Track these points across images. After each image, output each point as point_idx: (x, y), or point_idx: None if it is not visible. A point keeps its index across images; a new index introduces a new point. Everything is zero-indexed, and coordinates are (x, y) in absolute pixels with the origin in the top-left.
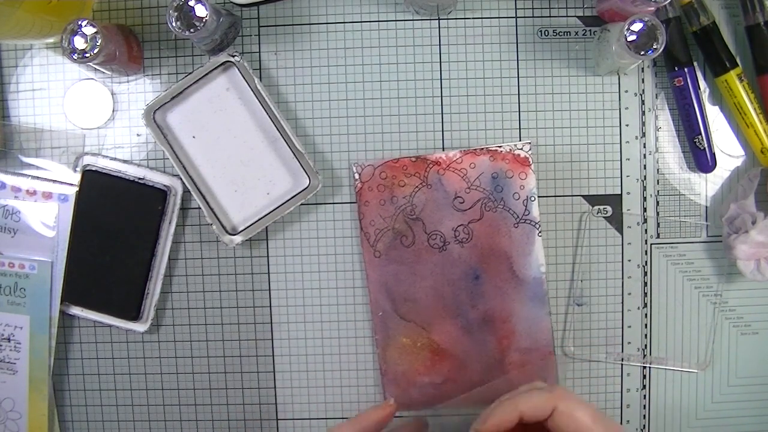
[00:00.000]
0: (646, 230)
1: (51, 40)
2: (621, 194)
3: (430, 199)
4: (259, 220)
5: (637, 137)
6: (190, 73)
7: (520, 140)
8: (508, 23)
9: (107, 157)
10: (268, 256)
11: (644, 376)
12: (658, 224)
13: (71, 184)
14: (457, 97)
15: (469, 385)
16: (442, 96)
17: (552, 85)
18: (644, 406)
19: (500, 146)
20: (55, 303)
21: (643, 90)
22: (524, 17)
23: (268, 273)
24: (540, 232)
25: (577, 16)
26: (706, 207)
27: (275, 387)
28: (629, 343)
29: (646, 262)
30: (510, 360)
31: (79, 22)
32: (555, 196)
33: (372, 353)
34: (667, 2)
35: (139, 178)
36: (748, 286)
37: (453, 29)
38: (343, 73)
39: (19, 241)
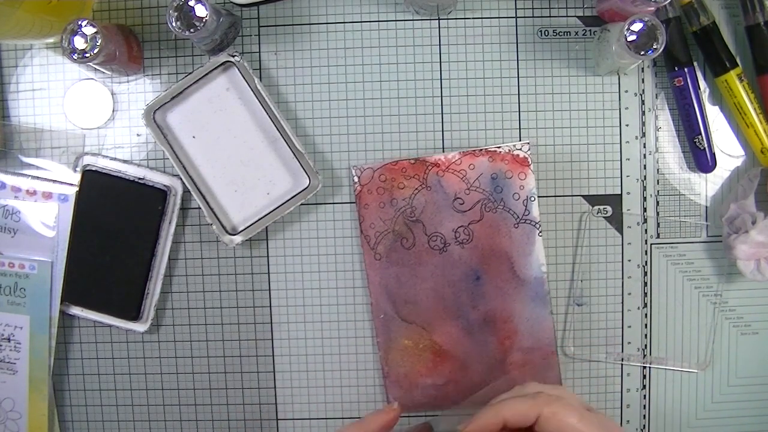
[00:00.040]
0: (646, 230)
1: (51, 40)
2: (621, 194)
3: (429, 201)
4: (259, 220)
5: (637, 137)
6: (190, 73)
7: (520, 140)
8: (508, 23)
9: (107, 157)
10: (268, 256)
11: (644, 376)
12: (658, 224)
13: (71, 184)
14: (457, 97)
15: (471, 385)
16: (442, 96)
17: (552, 85)
18: (644, 406)
19: (499, 147)
20: (55, 303)
21: (643, 90)
22: (524, 17)
23: (268, 273)
24: (540, 231)
25: (577, 16)
26: (706, 207)
27: (275, 387)
28: (629, 343)
29: (646, 262)
30: (512, 360)
31: (79, 22)
32: (555, 196)
33: (372, 353)
34: (667, 2)
35: (139, 178)
36: (748, 286)
37: (453, 29)
38: (343, 73)
39: (19, 241)
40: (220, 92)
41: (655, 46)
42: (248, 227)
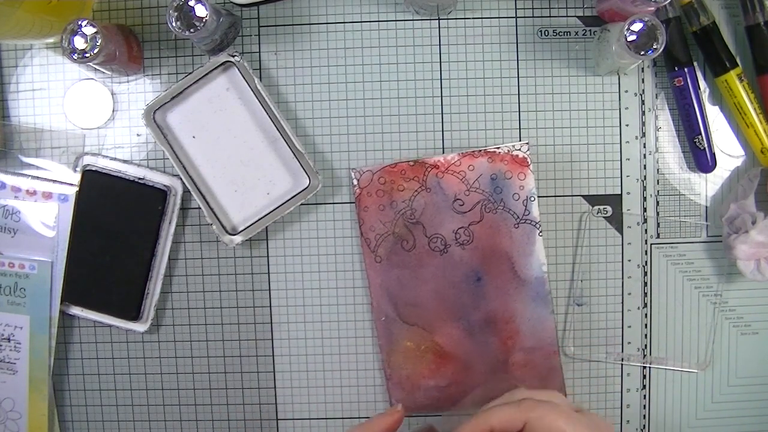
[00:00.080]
0: (646, 230)
1: (51, 40)
2: (621, 194)
3: (429, 203)
4: (259, 220)
5: (637, 137)
6: (190, 73)
7: (520, 140)
8: (508, 23)
9: (107, 157)
10: (268, 256)
11: (644, 376)
12: (658, 224)
13: (71, 184)
14: (457, 97)
15: (473, 386)
16: (442, 96)
17: (552, 85)
18: (644, 406)
19: (498, 147)
20: (55, 303)
21: (643, 90)
22: (524, 17)
23: (268, 273)
24: (540, 231)
25: (577, 16)
26: (706, 207)
27: (275, 387)
28: (629, 343)
29: (646, 262)
30: (514, 360)
31: (79, 22)
32: (555, 196)
33: (372, 353)
34: (667, 2)
35: (139, 178)
36: (748, 286)
37: (453, 29)
38: (343, 73)
39: (19, 241)
40: (220, 92)
41: (655, 46)
42: (248, 227)
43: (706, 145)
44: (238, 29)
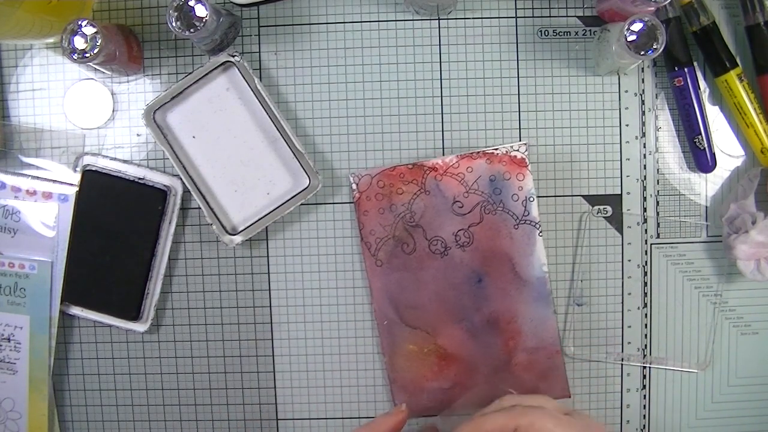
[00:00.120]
0: (646, 230)
1: (51, 40)
2: (621, 194)
3: (429, 205)
4: (259, 220)
5: (637, 137)
6: (190, 73)
7: (520, 140)
8: (508, 23)
9: (107, 157)
10: (268, 256)
11: (644, 376)
12: (658, 224)
13: (71, 184)
14: (457, 98)
15: (476, 388)
16: (442, 96)
17: (552, 85)
18: (644, 406)
19: (496, 148)
20: (55, 303)
21: (643, 90)
22: (524, 17)
23: (268, 273)
24: (540, 231)
25: (577, 16)
26: (706, 207)
27: (275, 387)
28: (629, 343)
29: (646, 262)
30: (517, 361)
31: (79, 22)
32: (555, 196)
33: (372, 353)
34: (667, 2)
35: (139, 178)
36: (748, 286)
37: (453, 29)
38: (343, 73)
39: (19, 241)
40: (220, 92)
41: (655, 46)
42: (248, 227)
43: (706, 145)
44: (238, 29)
